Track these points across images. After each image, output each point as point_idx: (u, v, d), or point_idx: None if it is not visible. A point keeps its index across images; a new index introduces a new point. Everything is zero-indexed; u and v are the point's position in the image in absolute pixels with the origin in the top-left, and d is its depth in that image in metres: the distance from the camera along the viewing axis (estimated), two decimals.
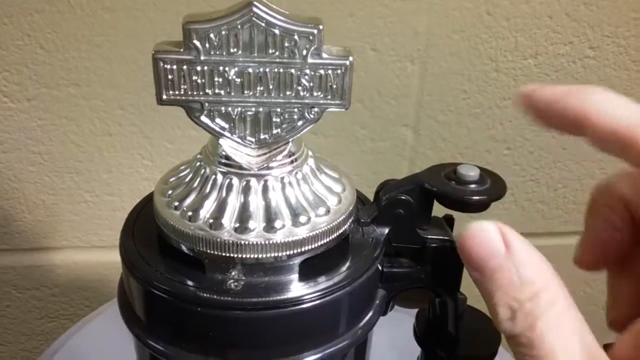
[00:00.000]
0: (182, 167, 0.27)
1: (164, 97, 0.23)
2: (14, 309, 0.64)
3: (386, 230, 0.28)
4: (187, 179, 0.26)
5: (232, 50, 0.23)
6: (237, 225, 0.24)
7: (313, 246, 0.25)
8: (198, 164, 0.26)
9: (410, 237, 0.29)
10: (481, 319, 0.34)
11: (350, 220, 0.27)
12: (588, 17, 0.54)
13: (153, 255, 0.26)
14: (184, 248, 0.25)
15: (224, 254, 0.24)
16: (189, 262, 0.25)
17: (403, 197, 0.28)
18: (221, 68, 0.23)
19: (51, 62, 0.52)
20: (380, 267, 0.28)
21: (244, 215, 0.24)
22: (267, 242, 0.24)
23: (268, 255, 0.24)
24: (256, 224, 0.24)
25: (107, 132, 0.55)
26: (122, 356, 0.47)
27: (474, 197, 0.28)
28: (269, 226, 0.24)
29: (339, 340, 0.27)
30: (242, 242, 0.24)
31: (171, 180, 0.26)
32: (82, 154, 0.56)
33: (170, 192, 0.26)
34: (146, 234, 0.27)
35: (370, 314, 0.28)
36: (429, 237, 0.29)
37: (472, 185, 0.28)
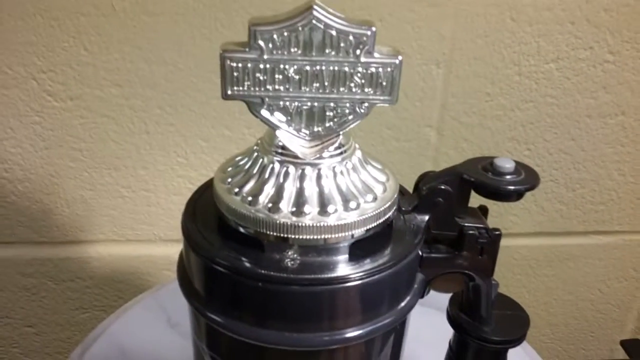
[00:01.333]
0: (239, 158, 0.29)
1: (229, 92, 0.26)
2: (49, 300, 0.66)
3: (426, 218, 0.30)
4: (246, 167, 0.28)
5: (292, 50, 0.25)
6: (294, 209, 0.26)
7: (362, 230, 0.27)
8: (255, 154, 0.28)
9: (448, 225, 0.31)
10: (511, 304, 0.36)
11: (394, 207, 0.29)
12: (608, 23, 0.55)
13: (214, 236, 0.28)
14: (243, 230, 0.27)
15: (282, 235, 0.26)
16: (249, 243, 0.27)
17: (443, 187, 0.30)
18: (282, 66, 0.26)
19: (94, 63, 0.54)
20: (420, 253, 0.30)
21: (300, 200, 0.27)
22: (321, 224, 0.26)
23: (322, 237, 0.26)
24: (311, 208, 0.26)
25: (145, 130, 0.57)
26: (159, 343, 0.50)
27: (510, 187, 0.30)
28: (323, 210, 0.26)
29: (381, 318, 0.29)
30: (299, 225, 0.26)
31: (229, 169, 0.29)
32: (120, 151, 0.58)
33: (229, 179, 0.28)
34: (206, 217, 0.29)
35: (409, 296, 0.30)
36: (466, 224, 0.31)
37: (508, 176, 0.30)
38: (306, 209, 0.26)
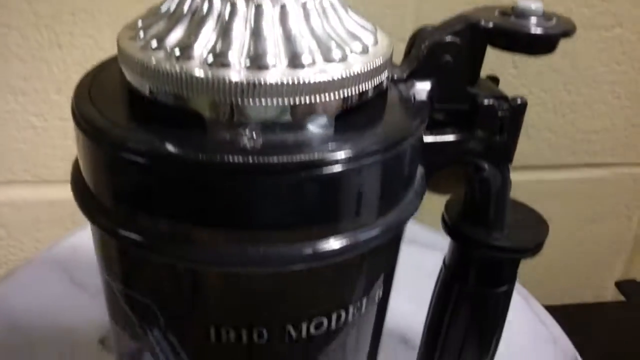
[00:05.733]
0: (154, 7, 0.20)
1: None
2: None
3: (428, 86, 0.22)
4: (169, 11, 0.19)
5: None
6: (251, 61, 0.17)
7: (352, 90, 0.18)
8: None
9: (457, 94, 0.23)
10: (526, 211, 0.29)
11: (390, 68, 0.20)
12: None
13: (125, 120, 0.19)
14: (172, 102, 0.18)
15: (233, 101, 0.17)
16: (181, 121, 0.18)
17: (450, 40, 0.22)
18: None
19: None
20: (423, 135, 0.22)
21: (258, 46, 0.17)
22: (293, 81, 0.17)
23: (295, 100, 0.17)
24: (276, 59, 0.17)
25: (56, 43, 0.47)
26: (53, 306, 0.40)
27: (540, 32, 0.22)
28: (295, 62, 0.17)
29: (372, 226, 0.20)
30: (260, 83, 0.17)
31: (141, 23, 0.19)
32: (27, 70, 0.48)
33: (143, 34, 0.18)
34: (109, 98, 0.19)
35: (409, 196, 0.21)
36: (481, 94, 0.23)
37: (535, 19, 0.22)
38: (269, 59, 0.17)
